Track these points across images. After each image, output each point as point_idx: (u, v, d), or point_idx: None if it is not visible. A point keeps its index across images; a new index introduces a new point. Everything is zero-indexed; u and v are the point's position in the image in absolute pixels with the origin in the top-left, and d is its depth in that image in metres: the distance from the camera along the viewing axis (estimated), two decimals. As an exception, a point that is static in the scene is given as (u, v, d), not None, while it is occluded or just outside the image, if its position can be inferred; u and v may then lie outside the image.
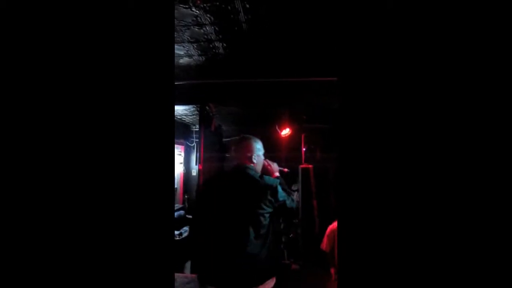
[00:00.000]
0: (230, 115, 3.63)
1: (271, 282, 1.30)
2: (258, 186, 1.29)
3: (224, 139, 4.21)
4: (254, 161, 1.41)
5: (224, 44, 2.20)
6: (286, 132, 3.43)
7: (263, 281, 1.23)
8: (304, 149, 3.38)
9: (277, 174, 1.50)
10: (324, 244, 2.91)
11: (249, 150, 1.43)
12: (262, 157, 1.48)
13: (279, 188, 1.31)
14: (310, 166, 3.27)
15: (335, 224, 2.93)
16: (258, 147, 1.46)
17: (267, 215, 1.28)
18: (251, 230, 1.24)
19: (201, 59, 2.45)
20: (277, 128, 3.55)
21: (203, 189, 1.60)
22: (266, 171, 1.48)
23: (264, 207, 1.26)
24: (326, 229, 3.00)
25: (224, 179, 1.46)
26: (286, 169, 1.60)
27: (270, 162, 1.52)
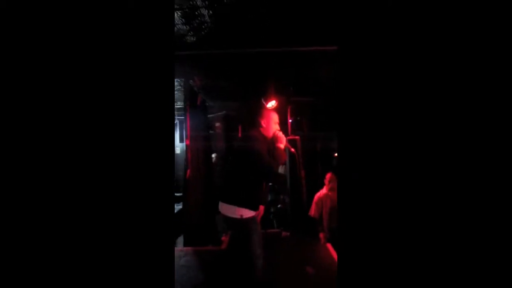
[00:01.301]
0: (216, 90, 3.55)
1: (251, 212, 1.81)
2: (252, 148, 1.81)
3: (209, 115, 4.15)
4: (264, 125, 1.94)
5: (210, 12, 2.11)
6: (272, 104, 3.42)
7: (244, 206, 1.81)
8: (290, 121, 3.41)
9: (281, 145, 1.88)
10: (313, 211, 3.05)
11: (262, 116, 1.98)
12: (274, 126, 1.96)
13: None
14: (297, 137, 3.33)
15: (322, 191, 3.06)
16: (272, 117, 1.98)
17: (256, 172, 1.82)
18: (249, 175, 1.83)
19: (185, 28, 2.34)
20: (263, 101, 3.53)
21: None
22: (275, 138, 1.91)
23: (253, 165, 1.80)
24: (313, 197, 3.13)
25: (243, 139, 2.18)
26: (293, 149, 2.07)
27: (280, 135, 1.91)
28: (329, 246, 2.90)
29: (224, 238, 3.05)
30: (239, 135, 4.04)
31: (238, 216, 1.79)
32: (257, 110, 1.98)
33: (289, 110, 3.31)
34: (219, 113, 5.07)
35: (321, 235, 3.01)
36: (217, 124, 5.17)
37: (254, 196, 1.85)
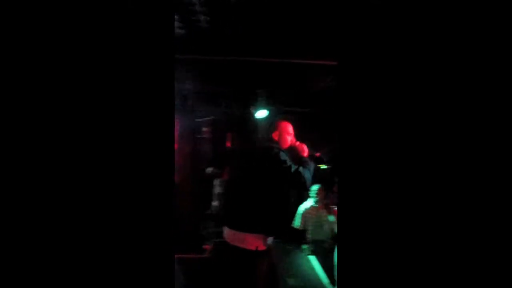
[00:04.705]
0: (206, 94, 3.53)
1: (266, 241, 1.50)
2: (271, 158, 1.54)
3: (196, 119, 4.10)
4: (275, 138, 1.66)
5: (208, 18, 2.09)
6: (262, 113, 3.43)
7: None
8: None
9: (305, 155, 1.62)
10: (298, 222, 3.06)
11: (274, 128, 1.71)
12: (288, 137, 1.69)
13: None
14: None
15: (308, 203, 3.07)
16: (285, 128, 1.70)
17: None
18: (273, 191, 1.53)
19: (180, 32, 2.31)
20: (252, 109, 3.54)
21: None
22: (294, 150, 1.64)
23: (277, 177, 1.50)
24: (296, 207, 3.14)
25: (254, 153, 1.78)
26: (318, 154, 1.77)
27: (299, 144, 1.66)
28: (311, 258, 2.90)
29: (207, 246, 3.00)
30: (228, 143, 4.01)
31: (253, 248, 1.40)
32: (248, 119, 1.85)
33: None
34: (207, 118, 5.02)
35: (305, 246, 3.01)
36: (205, 129, 5.11)
37: (281, 218, 1.51)
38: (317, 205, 2.99)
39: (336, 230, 2.33)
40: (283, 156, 1.48)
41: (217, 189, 4.10)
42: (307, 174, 1.45)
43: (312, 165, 1.54)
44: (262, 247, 1.42)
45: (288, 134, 1.68)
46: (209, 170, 4.20)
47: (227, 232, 1.49)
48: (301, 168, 1.44)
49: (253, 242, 1.40)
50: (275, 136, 1.66)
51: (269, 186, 1.46)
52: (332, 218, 2.41)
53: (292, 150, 1.62)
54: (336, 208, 2.36)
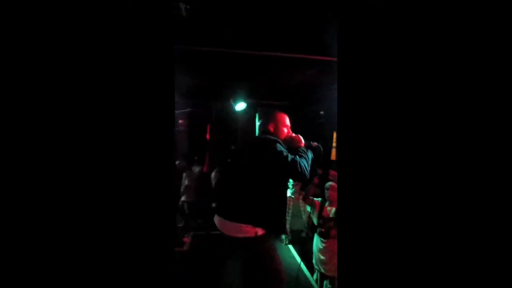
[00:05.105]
0: (182, 86, 3.43)
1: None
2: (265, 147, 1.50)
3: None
4: (271, 130, 1.65)
5: (188, 7, 2.03)
6: (241, 106, 3.42)
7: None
8: (258, 123, 3.44)
9: (302, 145, 1.63)
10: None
11: (270, 119, 1.69)
12: (284, 128, 1.68)
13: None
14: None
15: (286, 195, 3.15)
16: (280, 119, 1.70)
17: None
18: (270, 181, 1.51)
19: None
20: (231, 101, 3.51)
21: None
22: (291, 141, 1.64)
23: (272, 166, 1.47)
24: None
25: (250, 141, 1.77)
26: (315, 144, 1.70)
27: (295, 135, 1.67)
28: (290, 247, 3.00)
29: (186, 239, 2.97)
30: (207, 135, 3.95)
31: (252, 235, 1.39)
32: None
33: (257, 113, 3.34)
34: (183, 110, 4.89)
35: (284, 236, 3.09)
36: (181, 121, 4.99)
37: (279, 211, 1.50)
38: (293, 196, 3.07)
39: (313, 220, 2.41)
40: (280, 147, 1.46)
41: (186, 181, 4.09)
42: (304, 163, 1.42)
43: (310, 155, 1.53)
44: (261, 232, 1.41)
45: (284, 126, 1.67)
46: (177, 163, 4.13)
47: (222, 223, 1.47)
48: (297, 157, 1.42)
49: (252, 230, 1.39)
50: (271, 127, 1.65)
51: (268, 178, 1.45)
52: (309, 208, 2.49)
53: (288, 141, 1.62)
54: (316, 199, 2.43)
